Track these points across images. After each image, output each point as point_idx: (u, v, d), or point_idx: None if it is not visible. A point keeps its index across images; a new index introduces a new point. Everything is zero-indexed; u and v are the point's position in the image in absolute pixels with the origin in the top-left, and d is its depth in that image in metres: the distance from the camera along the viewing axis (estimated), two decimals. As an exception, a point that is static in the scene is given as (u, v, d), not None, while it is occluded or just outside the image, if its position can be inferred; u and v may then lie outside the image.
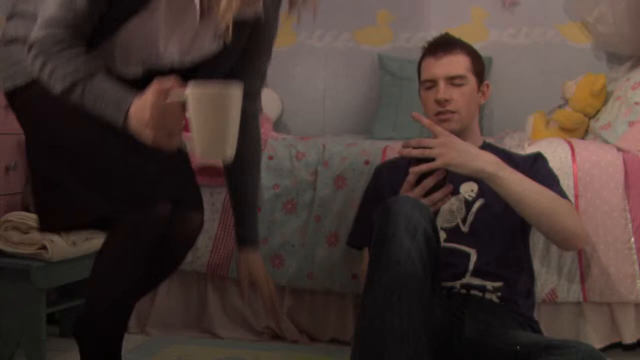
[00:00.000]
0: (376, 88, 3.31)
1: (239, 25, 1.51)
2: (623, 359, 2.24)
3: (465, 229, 1.81)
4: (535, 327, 1.78)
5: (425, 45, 1.94)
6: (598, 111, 2.68)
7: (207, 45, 1.58)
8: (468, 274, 1.77)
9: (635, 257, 2.16)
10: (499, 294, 1.74)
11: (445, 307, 1.67)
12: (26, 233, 2.25)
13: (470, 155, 1.68)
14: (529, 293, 1.84)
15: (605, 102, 2.68)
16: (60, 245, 2.21)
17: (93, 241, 2.27)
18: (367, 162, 2.37)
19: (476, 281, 1.75)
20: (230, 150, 1.31)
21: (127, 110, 1.33)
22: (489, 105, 3.22)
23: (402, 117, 3.11)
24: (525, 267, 1.85)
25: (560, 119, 2.66)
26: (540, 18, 3.20)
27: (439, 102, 1.85)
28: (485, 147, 1.95)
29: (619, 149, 2.27)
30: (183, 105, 1.29)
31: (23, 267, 2.17)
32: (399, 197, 1.64)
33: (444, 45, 1.90)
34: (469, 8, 3.27)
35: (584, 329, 2.27)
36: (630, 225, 2.16)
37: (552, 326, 2.26)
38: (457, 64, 1.87)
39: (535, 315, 1.80)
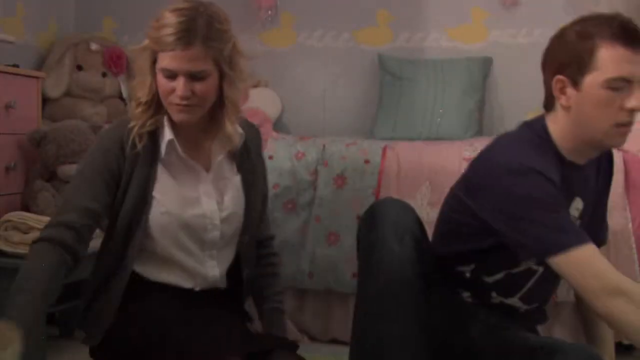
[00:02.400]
0: (376, 88, 3.31)
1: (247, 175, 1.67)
2: (623, 359, 2.24)
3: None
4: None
5: (613, 29, 1.42)
6: (598, 111, 2.68)
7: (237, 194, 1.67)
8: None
9: (635, 257, 2.16)
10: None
11: (446, 308, 1.67)
12: (26, 233, 2.25)
13: None
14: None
15: (605, 102, 2.67)
16: (60, 245, 2.20)
17: (93, 241, 2.26)
18: (367, 162, 2.37)
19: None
20: None
21: None
22: (489, 105, 3.22)
23: (402, 117, 3.11)
24: None
25: (560, 119, 2.66)
26: (540, 18, 3.19)
27: (632, 111, 1.42)
28: None
29: (619, 149, 2.27)
30: None
31: (23, 267, 2.17)
32: (384, 200, 1.63)
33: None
34: (469, 8, 3.27)
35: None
36: (630, 225, 2.16)
37: (552, 326, 2.26)
38: None
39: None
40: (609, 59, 1.39)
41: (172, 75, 1.49)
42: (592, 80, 1.41)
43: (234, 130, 1.59)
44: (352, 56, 3.44)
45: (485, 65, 3.15)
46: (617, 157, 2.23)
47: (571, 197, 1.52)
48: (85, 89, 3.20)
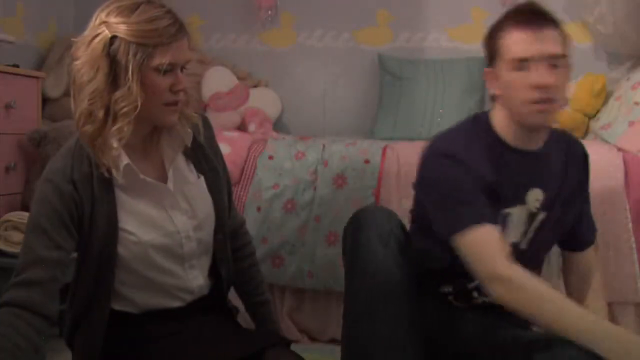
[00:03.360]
0: (376, 88, 3.31)
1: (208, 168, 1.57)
2: (623, 359, 2.24)
3: (523, 246, 1.60)
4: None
5: (511, 15, 1.58)
6: (598, 111, 2.68)
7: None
8: None
9: (635, 257, 2.16)
10: None
11: (436, 309, 1.67)
12: (26, 233, 2.25)
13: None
14: None
15: (605, 102, 2.68)
16: (60, 245, 2.21)
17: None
18: (367, 162, 2.37)
19: None
20: None
21: None
22: (489, 105, 3.22)
23: (402, 117, 3.11)
24: None
25: (560, 119, 2.66)
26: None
27: (538, 87, 1.47)
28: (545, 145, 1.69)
29: (619, 149, 2.27)
30: None
31: (23, 267, 2.17)
32: (368, 207, 1.66)
33: (541, 14, 1.56)
34: (469, 8, 3.27)
35: (584, 329, 2.27)
36: (630, 225, 2.16)
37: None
38: (558, 40, 1.52)
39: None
40: (509, 43, 1.52)
41: (168, 70, 1.37)
42: (502, 66, 1.52)
43: (181, 128, 1.47)
44: (352, 56, 3.44)
45: (485, 65, 3.14)
46: (617, 157, 2.23)
47: (526, 187, 1.56)
48: (85, 89, 3.20)
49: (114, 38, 1.34)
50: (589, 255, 1.74)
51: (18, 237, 2.24)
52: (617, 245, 2.16)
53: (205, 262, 1.58)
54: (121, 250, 1.43)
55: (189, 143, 1.50)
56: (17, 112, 2.52)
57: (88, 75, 1.36)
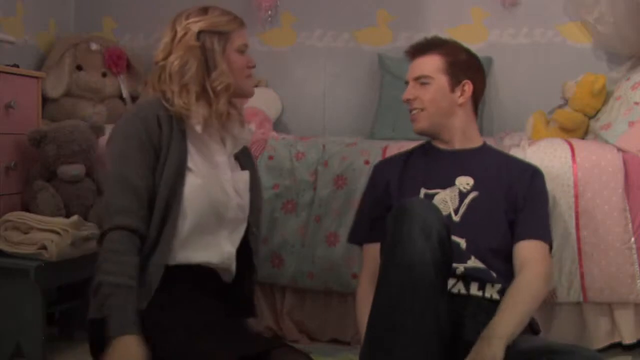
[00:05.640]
0: (376, 88, 3.31)
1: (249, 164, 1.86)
2: (623, 359, 2.24)
3: (456, 218, 1.81)
4: (535, 328, 1.77)
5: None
6: (598, 111, 2.68)
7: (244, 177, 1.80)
8: (465, 260, 1.76)
9: (635, 257, 2.16)
10: (499, 286, 1.73)
11: (448, 309, 1.67)
12: (26, 233, 2.25)
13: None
14: None
15: (605, 102, 2.67)
16: (60, 245, 2.20)
17: (93, 241, 2.26)
18: (367, 162, 2.37)
19: (477, 263, 1.75)
20: None
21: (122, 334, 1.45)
22: (489, 105, 3.22)
23: (402, 117, 3.10)
24: (511, 262, 1.82)
25: (560, 119, 2.66)
26: (540, 18, 3.20)
27: (406, 102, 1.96)
28: (485, 149, 1.95)
29: (619, 149, 2.27)
30: None
31: (23, 267, 2.17)
32: (414, 199, 1.67)
33: (417, 47, 1.98)
34: (469, 8, 3.27)
35: (584, 330, 2.27)
36: (630, 225, 2.16)
37: (552, 326, 2.26)
38: (424, 64, 1.92)
39: (535, 316, 1.79)
40: None
41: (242, 50, 1.74)
42: None
43: (243, 129, 1.78)
44: (352, 56, 3.44)
45: (485, 65, 3.13)
46: (617, 157, 2.22)
47: (456, 173, 1.86)
48: (85, 89, 3.20)
49: (199, 33, 1.69)
50: (525, 251, 1.77)
51: (18, 237, 2.24)
52: (617, 246, 2.16)
53: (235, 241, 1.74)
54: (186, 191, 1.62)
55: (248, 142, 1.83)
56: (17, 112, 2.52)
57: (182, 64, 1.67)
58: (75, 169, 2.48)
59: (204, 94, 1.67)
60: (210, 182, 1.67)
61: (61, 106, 3.13)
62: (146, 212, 1.59)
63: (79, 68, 3.23)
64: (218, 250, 1.69)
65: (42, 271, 2.18)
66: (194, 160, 1.66)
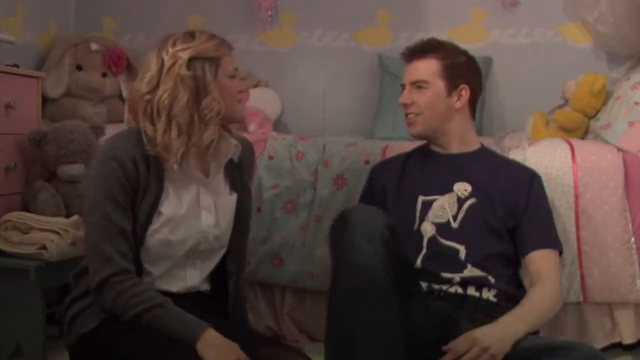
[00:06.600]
0: (376, 88, 3.31)
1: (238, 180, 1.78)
2: (623, 359, 2.24)
3: (455, 225, 1.81)
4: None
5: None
6: (598, 111, 2.68)
7: (228, 202, 1.75)
8: (461, 270, 1.76)
9: (635, 257, 2.16)
10: (496, 291, 1.74)
11: (439, 309, 1.67)
12: (26, 233, 2.25)
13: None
14: (519, 286, 1.85)
15: (605, 102, 2.67)
16: (60, 245, 2.21)
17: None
18: (367, 162, 2.37)
19: (474, 271, 1.75)
20: None
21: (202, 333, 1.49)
22: (489, 105, 3.22)
23: (401, 117, 3.08)
24: (513, 265, 1.85)
25: (560, 119, 2.66)
26: (540, 18, 3.20)
27: (402, 106, 1.97)
28: (482, 152, 1.95)
29: (619, 149, 2.27)
30: None
31: (23, 267, 2.17)
32: (356, 206, 1.72)
33: (414, 50, 1.99)
34: (469, 8, 3.27)
35: (584, 329, 2.27)
36: (630, 225, 2.16)
37: (552, 326, 2.26)
38: (421, 68, 1.94)
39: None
40: None
41: (232, 75, 1.68)
42: None
43: (225, 144, 1.68)
44: (352, 56, 3.44)
45: (485, 65, 3.15)
46: (617, 157, 2.23)
47: (454, 180, 1.86)
48: (85, 89, 3.21)
49: (189, 60, 1.59)
50: (537, 262, 1.78)
51: (18, 237, 2.24)
52: (617, 246, 2.16)
53: (207, 268, 1.72)
54: (150, 232, 1.60)
55: (235, 157, 1.71)
56: (17, 112, 2.52)
57: (173, 96, 1.58)
58: (75, 169, 2.48)
59: (190, 126, 1.59)
60: (181, 225, 1.64)
61: (61, 106, 3.13)
62: (133, 252, 1.59)
63: (79, 68, 3.23)
64: (181, 283, 1.69)
65: (42, 271, 2.18)
66: (169, 199, 1.63)
